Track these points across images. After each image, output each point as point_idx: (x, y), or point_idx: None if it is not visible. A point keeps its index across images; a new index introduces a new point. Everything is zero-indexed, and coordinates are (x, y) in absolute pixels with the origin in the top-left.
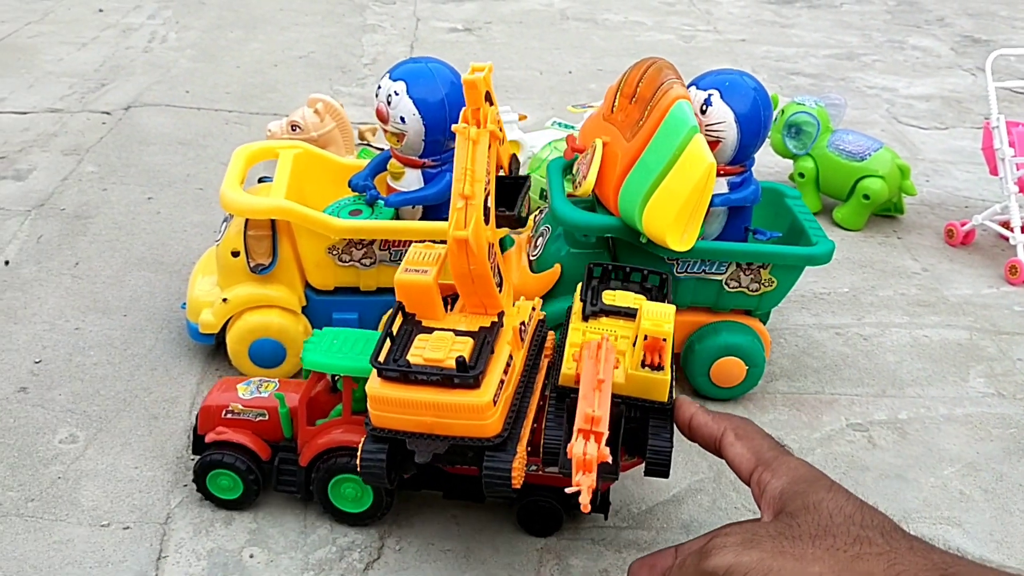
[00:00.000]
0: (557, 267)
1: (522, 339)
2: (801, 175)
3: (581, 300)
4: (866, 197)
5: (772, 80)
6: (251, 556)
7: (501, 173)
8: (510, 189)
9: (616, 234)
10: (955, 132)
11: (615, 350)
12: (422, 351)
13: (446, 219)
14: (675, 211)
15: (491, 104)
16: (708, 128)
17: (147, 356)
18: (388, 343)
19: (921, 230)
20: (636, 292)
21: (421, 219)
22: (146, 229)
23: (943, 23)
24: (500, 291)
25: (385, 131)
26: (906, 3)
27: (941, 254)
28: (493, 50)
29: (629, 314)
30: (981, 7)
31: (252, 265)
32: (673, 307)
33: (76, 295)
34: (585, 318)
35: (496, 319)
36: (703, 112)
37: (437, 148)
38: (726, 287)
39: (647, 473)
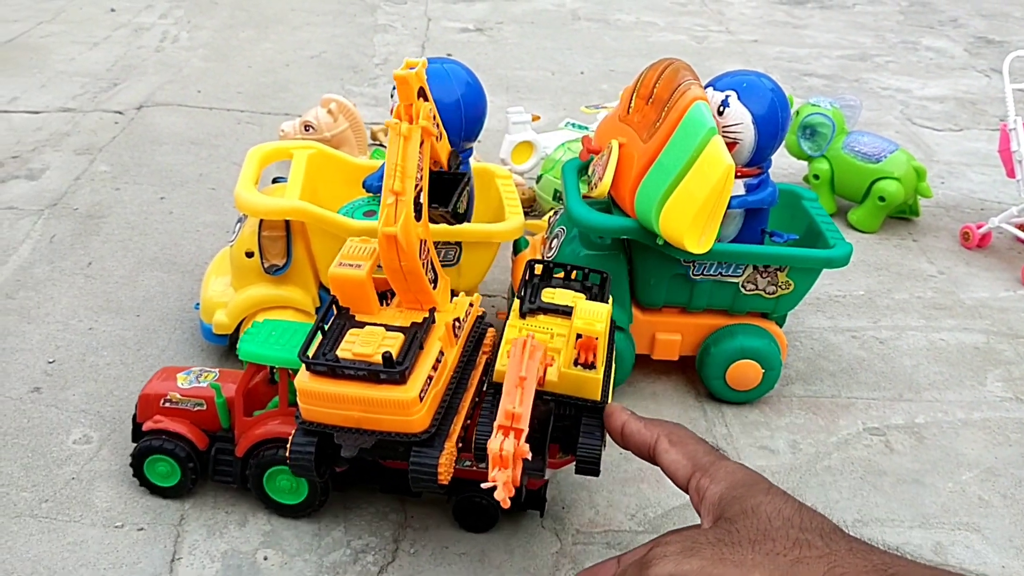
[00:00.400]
0: None
1: (456, 335)
2: (816, 177)
3: (518, 297)
4: (881, 199)
5: (785, 81)
6: (265, 558)
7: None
8: (448, 185)
9: (632, 236)
10: (970, 134)
11: (543, 347)
12: (352, 346)
13: None
14: (693, 213)
15: (425, 100)
16: (725, 129)
17: (160, 357)
18: (319, 337)
19: (937, 232)
20: (577, 291)
21: None
22: (159, 229)
23: (956, 24)
24: (435, 287)
25: None
26: (919, 4)
27: (957, 257)
28: (504, 50)
29: (566, 312)
30: (995, 8)
31: (266, 266)
32: (608, 306)
33: (89, 295)
34: (523, 315)
35: (427, 315)
36: (720, 113)
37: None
38: (743, 290)
39: (577, 471)
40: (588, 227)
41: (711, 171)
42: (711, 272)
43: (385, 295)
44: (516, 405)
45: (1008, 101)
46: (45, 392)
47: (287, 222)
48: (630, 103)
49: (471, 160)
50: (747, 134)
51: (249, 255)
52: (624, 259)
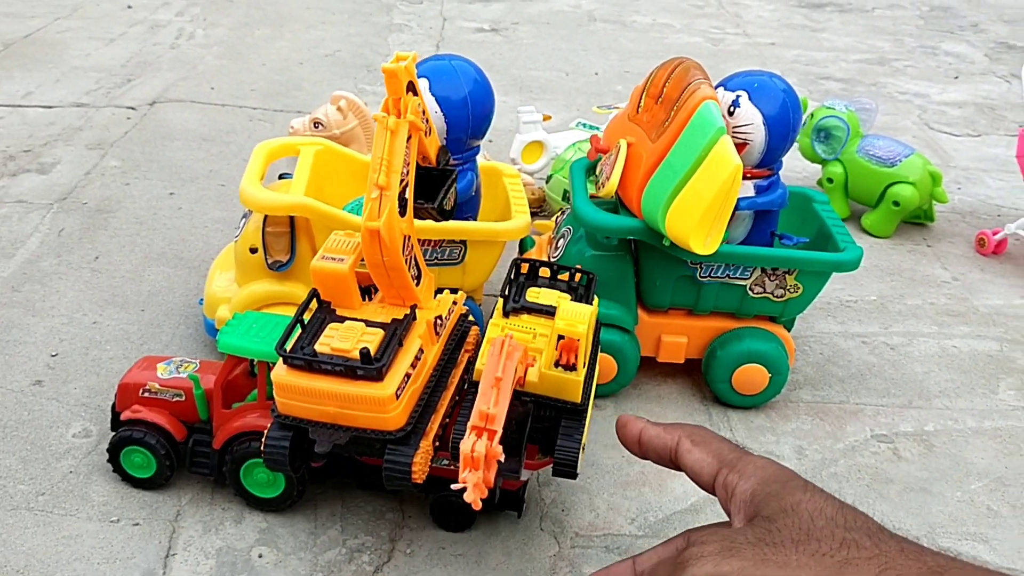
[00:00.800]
0: None
1: (438, 333)
2: (830, 180)
3: (502, 296)
4: (896, 204)
5: (802, 84)
6: (260, 556)
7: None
8: (435, 181)
9: (639, 236)
10: (988, 139)
11: (522, 348)
12: (331, 340)
13: (466, 218)
14: (699, 214)
15: (414, 95)
16: (735, 130)
17: (163, 352)
18: (298, 330)
19: (952, 238)
20: (563, 291)
21: None
22: (167, 224)
23: (977, 29)
24: (418, 284)
25: None
26: (939, 8)
27: (972, 263)
28: (519, 50)
29: (550, 312)
30: (1016, 13)
31: (270, 262)
32: (591, 308)
33: (95, 289)
34: (506, 314)
35: (409, 312)
36: (731, 113)
37: (459, 146)
38: (750, 292)
39: (555, 473)
40: (594, 227)
41: (719, 171)
42: (718, 274)
43: (369, 290)
44: (491, 406)
45: None
46: (47, 385)
47: (291, 218)
48: (640, 102)
49: (478, 158)
50: (757, 135)
51: (253, 251)
52: (631, 260)
